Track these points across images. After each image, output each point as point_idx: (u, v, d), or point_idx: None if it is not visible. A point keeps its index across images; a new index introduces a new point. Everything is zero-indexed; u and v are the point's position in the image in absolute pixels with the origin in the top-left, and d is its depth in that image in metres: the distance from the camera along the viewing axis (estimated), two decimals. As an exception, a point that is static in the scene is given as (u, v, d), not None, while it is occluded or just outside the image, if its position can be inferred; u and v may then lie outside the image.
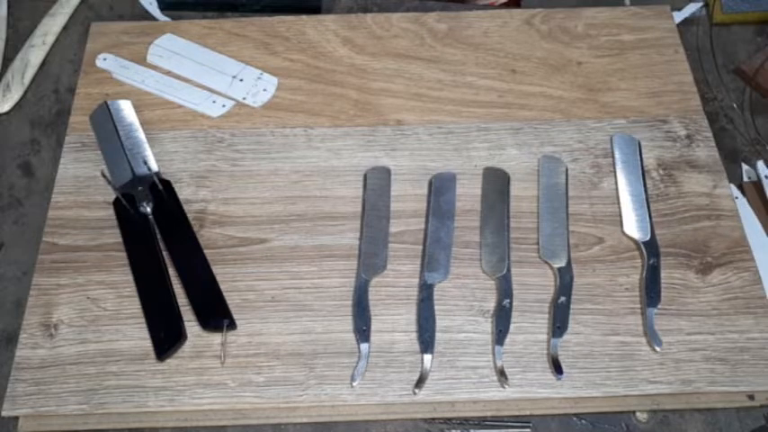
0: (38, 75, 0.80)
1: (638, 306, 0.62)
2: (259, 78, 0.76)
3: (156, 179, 0.66)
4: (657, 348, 0.59)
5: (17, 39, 0.83)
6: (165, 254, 0.64)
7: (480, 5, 0.85)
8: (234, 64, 0.77)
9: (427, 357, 0.59)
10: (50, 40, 0.82)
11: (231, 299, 0.62)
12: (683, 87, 0.75)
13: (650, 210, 0.67)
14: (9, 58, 0.81)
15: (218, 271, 0.63)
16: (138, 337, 0.60)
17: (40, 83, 0.80)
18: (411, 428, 0.59)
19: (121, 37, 0.79)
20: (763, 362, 0.59)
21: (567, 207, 0.67)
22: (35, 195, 0.72)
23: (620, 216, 0.67)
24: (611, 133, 0.72)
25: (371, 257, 0.64)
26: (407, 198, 0.68)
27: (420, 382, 0.58)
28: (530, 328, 0.61)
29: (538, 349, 0.60)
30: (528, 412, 0.59)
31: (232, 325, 0.60)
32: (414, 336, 0.60)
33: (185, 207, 0.67)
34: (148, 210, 0.66)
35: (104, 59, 0.77)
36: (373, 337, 0.60)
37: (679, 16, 0.82)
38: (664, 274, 0.63)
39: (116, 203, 0.66)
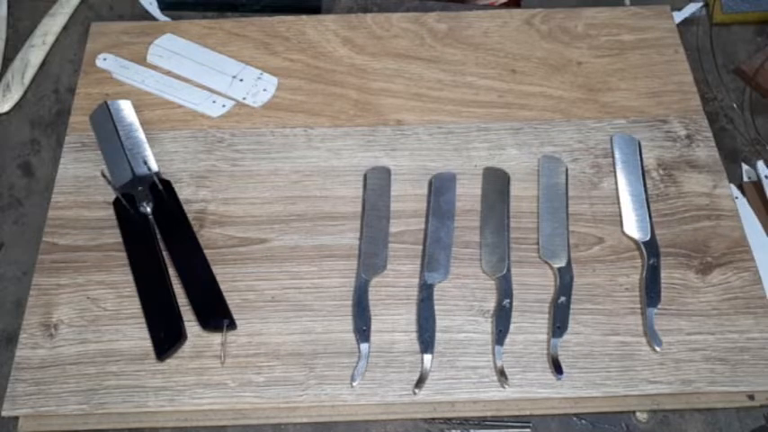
0: (38, 75, 0.80)
1: (638, 306, 0.62)
2: (259, 78, 0.76)
3: (156, 179, 0.66)
4: (657, 348, 0.59)
5: (17, 39, 0.83)
6: (165, 254, 0.64)
7: (480, 5, 0.85)
8: (234, 64, 0.77)
9: (427, 357, 0.59)
10: (50, 40, 0.82)
11: (231, 299, 0.62)
12: (683, 87, 0.75)
13: (650, 210, 0.67)
14: (9, 58, 0.81)
15: (218, 271, 0.63)
16: (138, 337, 0.60)
17: (40, 83, 0.80)
18: (411, 428, 0.59)
19: (121, 37, 0.79)
20: (763, 362, 0.59)
21: (567, 207, 0.67)
22: (35, 195, 0.72)
23: (620, 216, 0.67)
24: (611, 133, 0.72)
25: (371, 257, 0.64)
26: (407, 198, 0.68)
27: (420, 382, 0.58)
28: (530, 328, 0.61)
29: (538, 349, 0.60)
30: (528, 412, 0.59)
31: (232, 325, 0.60)
32: (414, 336, 0.60)
33: (185, 207, 0.67)
34: (148, 210, 0.66)
35: (104, 59, 0.77)
36: (373, 337, 0.60)
37: (679, 16, 0.82)
38: (664, 274, 0.63)
39: (116, 203, 0.66)
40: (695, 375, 0.59)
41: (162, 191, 0.66)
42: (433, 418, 0.59)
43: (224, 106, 0.74)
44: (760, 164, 0.72)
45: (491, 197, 0.68)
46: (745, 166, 0.73)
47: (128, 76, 0.76)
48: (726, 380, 0.58)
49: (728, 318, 0.61)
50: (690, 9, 0.82)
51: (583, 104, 0.74)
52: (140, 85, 0.75)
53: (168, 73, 0.76)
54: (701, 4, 0.83)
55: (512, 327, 0.60)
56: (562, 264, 0.63)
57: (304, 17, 0.81)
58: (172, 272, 0.63)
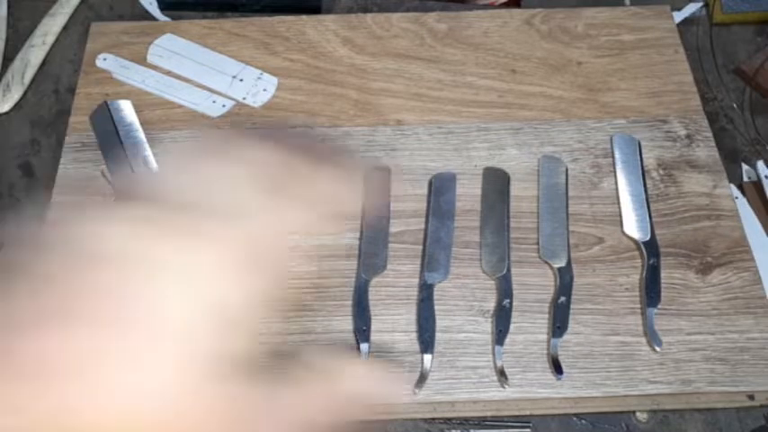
0: (38, 75, 0.80)
1: (638, 306, 0.62)
2: (259, 78, 0.76)
3: (156, 179, 0.66)
4: (657, 348, 0.59)
5: (17, 39, 0.83)
6: (165, 254, 0.64)
7: (480, 5, 0.84)
8: (234, 64, 0.77)
9: (427, 357, 0.59)
10: (50, 40, 0.82)
11: (231, 299, 0.62)
12: (683, 87, 0.75)
13: (650, 210, 0.67)
14: (9, 58, 0.81)
15: (218, 271, 0.63)
16: (138, 337, 0.60)
17: (40, 83, 0.79)
18: (411, 428, 0.59)
19: (121, 37, 0.79)
20: (763, 362, 0.59)
21: (567, 207, 0.67)
22: (35, 195, 0.72)
23: (620, 216, 0.67)
24: (611, 133, 0.72)
25: (371, 257, 0.64)
26: (407, 198, 0.68)
27: (420, 382, 0.58)
28: (530, 328, 0.61)
29: (538, 349, 0.60)
30: (528, 412, 0.59)
31: (232, 325, 0.60)
32: (414, 336, 0.60)
33: (185, 207, 0.67)
34: (148, 210, 0.66)
35: (104, 59, 0.77)
36: (373, 337, 0.60)
37: (679, 16, 0.82)
38: (664, 274, 0.63)
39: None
40: (695, 375, 0.59)
41: (162, 191, 0.66)
42: (433, 418, 0.59)
43: (224, 106, 0.74)
44: (760, 164, 0.72)
45: (491, 197, 0.68)
46: (745, 166, 0.73)
47: (128, 76, 0.76)
48: (726, 380, 0.58)
49: (728, 318, 0.61)
50: (690, 9, 0.82)
51: (583, 104, 0.74)
52: (140, 85, 0.75)
53: (168, 73, 0.76)
54: (700, 4, 0.83)
55: (512, 327, 0.60)
56: (562, 264, 0.63)
57: (304, 17, 0.81)
58: (172, 272, 0.63)
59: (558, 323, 0.60)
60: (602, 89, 0.75)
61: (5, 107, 0.77)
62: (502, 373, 0.58)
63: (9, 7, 0.85)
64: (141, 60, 0.77)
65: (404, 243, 0.65)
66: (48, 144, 0.75)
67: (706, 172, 0.69)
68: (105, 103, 0.71)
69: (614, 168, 0.70)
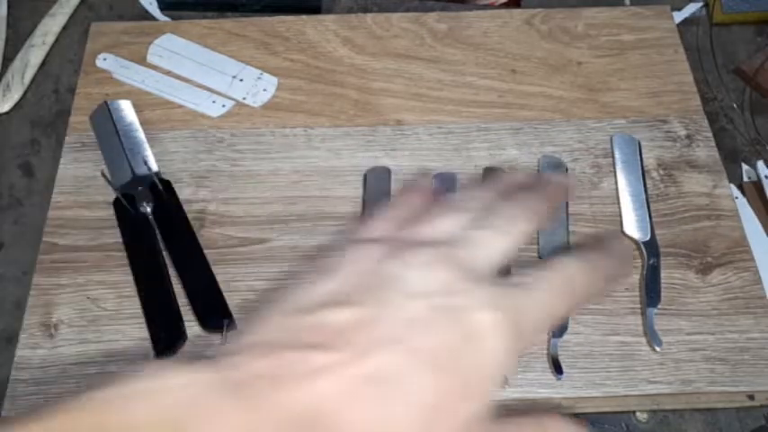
0: (38, 75, 0.80)
1: (638, 306, 0.62)
2: (259, 78, 0.76)
3: (156, 179, 0.66)
4: (657, 348, 0.59)
5: (17, 39, 0.83)
6: (165, 254, 0.64)
7: (480, 5, 0.85)
8: (234, 64, 0.77)
9: (427, 357, 0.59)
10: (50, 40, 0.82)
11: (231, 299, 0.62)
12: (683, 87, 0.75)
13: (650, 210, 0.67)
14: (9, 58, 0.81)
15: (218, 271, 0.63)
16: (138, 337, 0.60)
17: (40, 83, 0.80)
18: (411, 428, 0.59)
19: (121, 37, 0.79)
20: (763, 362, 0.59)
21: (567, 207, 0.67)
22: (35, 195, 0.72)
23: (620, 216, 0.67)
24: (611, 133, 0.72)
25: (371, 257, 0.64)
26: (407, 198, 0.68)
27: (420, 382, 0.58)
28: (530, 328, 0.61)
29: (538, 349, 0.60)
30: (528, 412, 0.59)
31: (232, 325, 0.60)
32: (414, 336, 0.60)
33: (185, 207, 0.67)
34: (148, 210, 0.66)
35: (104, 59, 0.77)
36: (373, 337, 0.60)
37: (679, 16, 0.82)
38: (664, 274, 0.63)
39: (116, 203, 0.66)
40: (695, 375, 0.59)
41: (162, 191, 0.66)
42: (433, 418, 0.59)
43: (224, 106, 0.74)
44: (760, 164, 0.72)
45: (491, 197, 0.68)
46: (745, 166, 0.73)
47: (128, 76, 0.76)
48: (726, 380, 0.58)
49: (728, 318, 0.61)
50: (690, 9, 0.82)
51: (583, 104, 0.74)
52: (140, 85, 0.75)
53: (168, 73, 0.76)
54: (700, 4, 0.83)
55: (512, 327, 0.60)
56: (562, 264, 0.63)
57: (304, 17, 0.81)
58: (172, 272, 0.63)
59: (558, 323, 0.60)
60: (602, 89, 0.75)
61: (5, 107, 0.77)
62: (502, 373, 0.58)
63: (9, 7, 0.85)
64: (141, 60, 0.77)
65: (404, 243, 0.65)
66: (48, 144, 0.75)
67: (706, 172, 0.70)
68: (105, 102, 0.71)
69: (614, 168, 0.70)
